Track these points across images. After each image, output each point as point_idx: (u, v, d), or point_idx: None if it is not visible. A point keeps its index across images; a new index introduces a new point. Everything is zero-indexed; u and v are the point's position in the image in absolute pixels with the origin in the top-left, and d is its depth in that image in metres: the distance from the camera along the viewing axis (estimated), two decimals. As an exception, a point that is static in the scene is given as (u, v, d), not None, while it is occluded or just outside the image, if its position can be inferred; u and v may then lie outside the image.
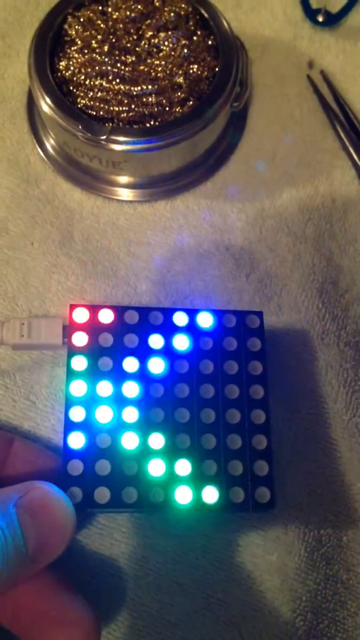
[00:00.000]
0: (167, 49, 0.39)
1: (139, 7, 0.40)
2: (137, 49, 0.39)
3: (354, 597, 0.33)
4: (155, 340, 0.32)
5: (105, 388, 0.31)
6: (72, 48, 0.39)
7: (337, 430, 0.36)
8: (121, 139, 0.36)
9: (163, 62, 0.38)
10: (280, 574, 0.33)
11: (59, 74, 0.38)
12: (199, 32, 0.40)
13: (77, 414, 0.30)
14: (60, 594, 0.29)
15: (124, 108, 0.37)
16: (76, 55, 0.38)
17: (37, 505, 0.27)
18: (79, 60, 0.38)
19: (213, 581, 0.33)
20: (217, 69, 0.39)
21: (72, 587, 0.29)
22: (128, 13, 0.39)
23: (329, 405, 0.37)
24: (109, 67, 0.38)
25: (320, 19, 0.47)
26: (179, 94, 0.38)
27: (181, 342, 0.33)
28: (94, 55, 0.38)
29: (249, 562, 0.33)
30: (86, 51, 0.38)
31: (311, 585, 0.33)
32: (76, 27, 0.39)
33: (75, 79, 0.38)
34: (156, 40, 0.39)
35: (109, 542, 0.33)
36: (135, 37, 0.39)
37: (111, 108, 0.37)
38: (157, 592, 0.33)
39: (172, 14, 0.39)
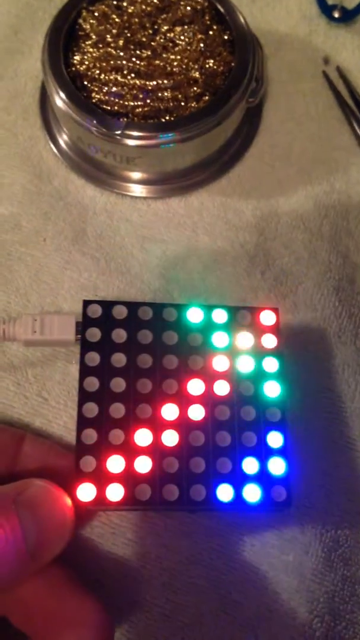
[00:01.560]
0: (183, 43, 0.38)
1: (155, 1, 0.39)
2: (152, 43, 0.38)
3: (371, 599, 0.33)
4: (169, 337, 0.32)
5: (117, 384, 0.30)
6: (87, 42, 0.38)
7: (355, 429, 0.35)
8: (136, 134, 0.36)
9: (179, 57, 0.38)
10: (297, 574, 0.33)
11: (73, 69, 0.38)
12: (214, 27, 0.39)
13: (90, 409, 0.30)
14: (73, 594, 0.28)
15: (139, 103, 0.37)
16: (91, 50, 0.38)
17: (36, 502, 0.27)
18: (94, 54, 0.38)
19: (228, 581, 0.32)
20: (232, 64, 0.39)
21: (85, 587, 0.29)
22: (143, 7, 0.39)
23: (346, 404, 0.36)
24: (124, 62, 0.37)
25: (336, 14, 0.46)
26: (195, 88, 0.37)
27: (195, 339, 0.32)
28: (109, 49, 0.38)
29: (264, 562, 0.33)
30: (101, 45, 0.38)
31: (328, 587, 0.32)
32: (91, 21, 0.39)
33: (89, 73, 0.38)
34: (172, 35, 0.39)
35: (121, 541, 0.33)
36: (150, 31, 0.39)
37: (126, 103, 0.37)
38: (171, 593, 0.32)
39: (188, 8, 0.39)
